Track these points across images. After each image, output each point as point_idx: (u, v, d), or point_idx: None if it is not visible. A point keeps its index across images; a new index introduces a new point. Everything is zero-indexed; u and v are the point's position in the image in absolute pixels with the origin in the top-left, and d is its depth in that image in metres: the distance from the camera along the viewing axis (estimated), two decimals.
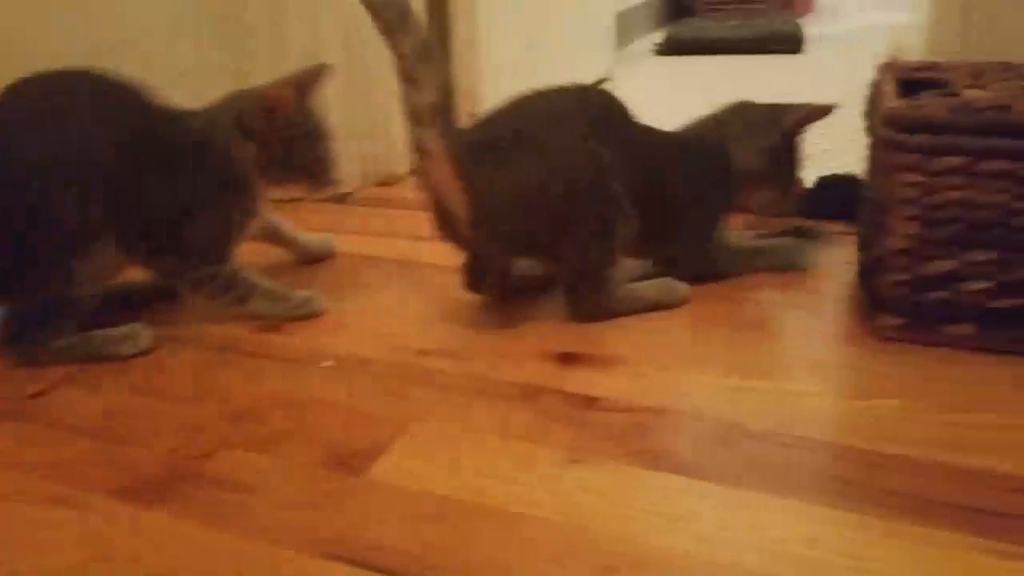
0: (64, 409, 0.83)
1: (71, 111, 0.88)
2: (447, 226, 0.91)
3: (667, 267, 1.00)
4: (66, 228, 0.87)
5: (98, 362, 0.90)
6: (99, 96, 0.90)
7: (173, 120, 0.95)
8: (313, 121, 0.98)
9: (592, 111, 0.93)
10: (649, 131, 1.00)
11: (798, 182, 1.05)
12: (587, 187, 0.88)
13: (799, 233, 1.10)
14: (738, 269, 1.03)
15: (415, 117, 0.83)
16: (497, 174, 0.87)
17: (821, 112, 1.00)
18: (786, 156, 1.03)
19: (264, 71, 1.38)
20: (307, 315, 0.99)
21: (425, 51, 0.81)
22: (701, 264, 1.01)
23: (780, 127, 1.01)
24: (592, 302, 0.93)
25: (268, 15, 1.36)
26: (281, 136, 0.95)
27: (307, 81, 0.97)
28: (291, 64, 1.35)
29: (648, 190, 0.94)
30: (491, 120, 0.94)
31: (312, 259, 1.14)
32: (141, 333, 0.92)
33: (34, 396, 0.85)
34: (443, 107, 0.84)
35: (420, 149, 0.86)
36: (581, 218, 0.89)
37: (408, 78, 0.82)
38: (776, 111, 1.02)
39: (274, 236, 1.11)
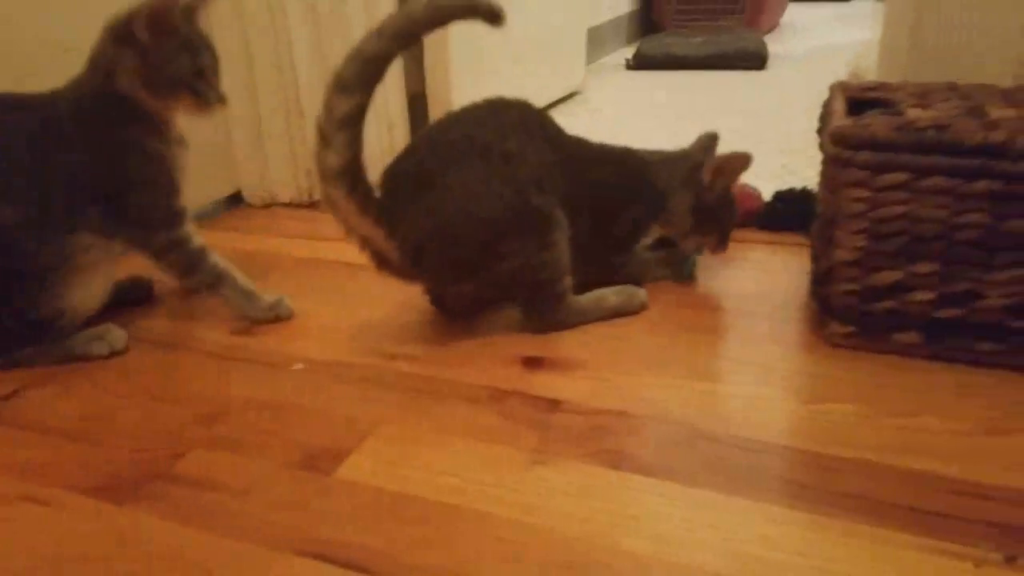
0: (36, 410, 0.84)
1: None
2: (384, 264, 0.93)
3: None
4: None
5: (71, 363, 0.91)
6: None
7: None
8: (199, 37, 0.95)
9: (509, 125, 0.94)
10: (576, 142, 1.03)
11: (729, 224, 1.08)
12: (507, 207, 0.89)
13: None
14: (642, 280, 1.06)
15: (322, 175, 0.87)
16: (415, 210, 0.89)
17: (741, 163, 1.04)
18: (712, 208, 1.06)
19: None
20: (276, 318, 1.01)
21: (352, 119, 0.84)
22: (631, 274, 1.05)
23: (700, 183, 1.05)
24: (547, 318, 0.95)
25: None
26: (165, 48, 0.91)
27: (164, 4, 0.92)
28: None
29: (580, 199, 0.97)
30: (409, 151, 0.96)
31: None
32: (114, 334, 0.94)
33: (5, 397, 0.86)
34: (350, 168, 0.86)
35: (330, 204, 0.89)
36: (510, 238, 0.90)
37: (323, 137, 0.85)
38: (693, 166, 1.06)
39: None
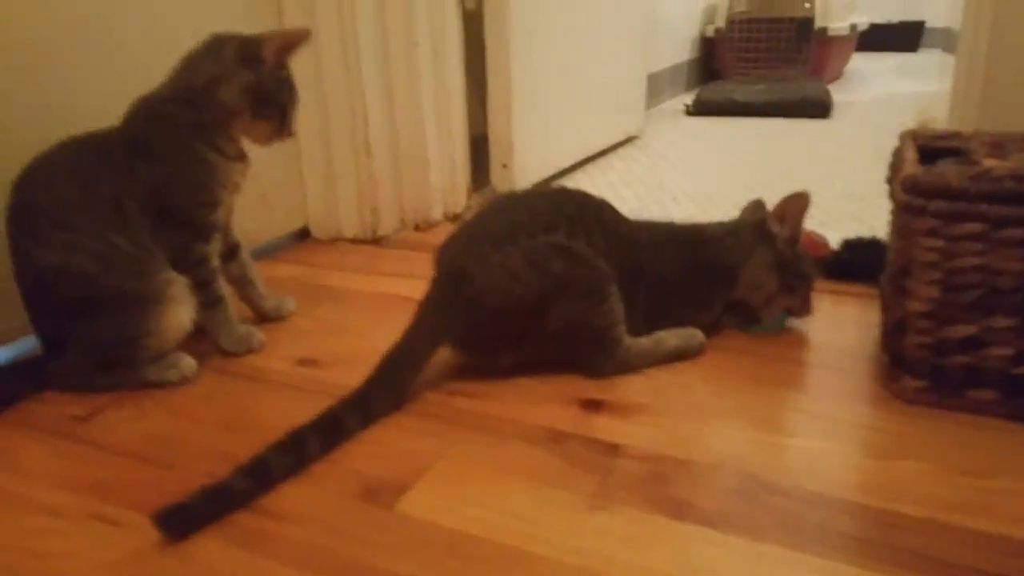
0: (111, 432, 0.87)
1: None
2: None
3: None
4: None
5: (143, 388, 0.94)
6: None
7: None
8: (290, 76, 1.02)
9: (562, 216, 0.95)
10: (636, 226, 1.05)
11: (813, 278, 1.06)
12: (549, 278, 0.90)
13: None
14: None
15: None
16: (459, 303, 0.91)
17: (802, 203, 1.03)
18: (792, 262, 1.04)
19: None
20: (248, 350, 1.04)
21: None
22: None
23: (772, 240, 1.03)
24: (606, 363, 0.95)
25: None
26: (280, 75, 0.99)
27: (301, 36, 1.01)
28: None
29: (636, 284, 0.97)
30: (456, 239, 0.98)
31: (263, 319, 1.13)
32: (186, 362, 0.97)
33: (82, 419, 0.89)
34: None
35: None
36: (560, 303, 0.91)
37: None
38: (757, 223, 1.05)
39: (240, 281, 1.11)
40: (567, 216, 0.96)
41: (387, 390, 0.88)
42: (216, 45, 0.98)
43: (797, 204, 1.03)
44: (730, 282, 1.04)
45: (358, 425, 0.84)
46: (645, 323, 0.99)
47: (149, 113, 0.96)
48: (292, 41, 0.99)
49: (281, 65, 0.99)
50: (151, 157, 0.95)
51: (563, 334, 0.93)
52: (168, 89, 0.97)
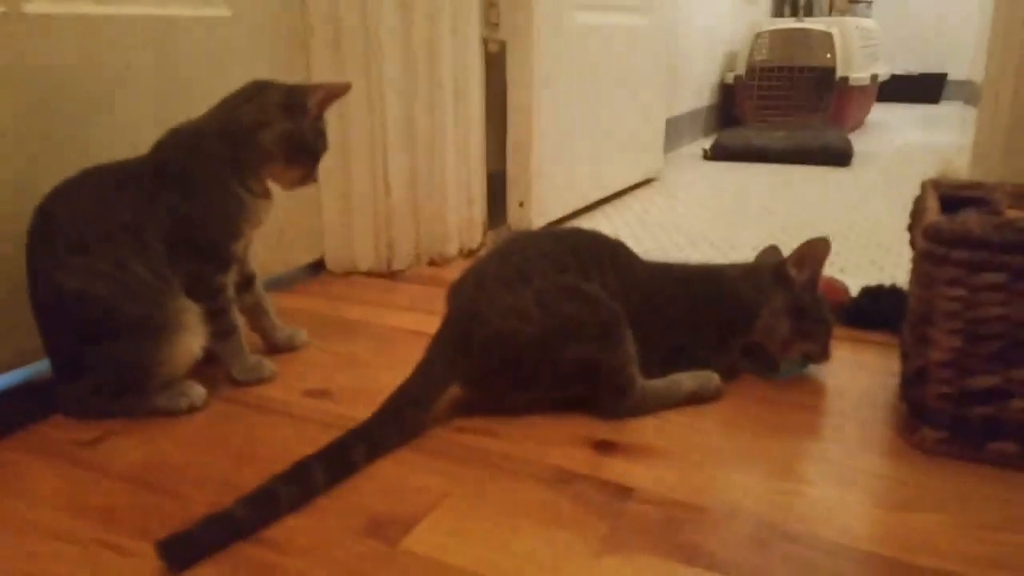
0: (118, 458, 0.86)
1: None
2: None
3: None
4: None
5: (152, 416, 0.94)
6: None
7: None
8: (325, 127, 1.05)
9: (573, 257, 0.95)
10: (652, 267, 1.04)
11: (831, 324, 1.04)
12: (570, 310, 0.90)
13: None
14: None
15: None
16: (468, 346, 0.91)
17: (822, 248, 1.02)
18: (809, 307, 1.02)
19: None
20: (258, 380, 1.04)
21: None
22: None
23: (791, 284, 1.02)
24: (618, 405, 0.94)
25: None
26: (317, 125, 1.03)
27: (343, 89, 1.06)
28: None
29: (651, 325, 0.97)
30: (467, 281, 0.97)
31: (275, 350, 1.13)
32: (195, 390, 0.97)
33: (89, 443, 0.89)
34: None
35: None
36: (571, 346, 0.90)
37: None
38: (776, 266, 1.04)
39: (254, 311, 1.12)
40: (580, 257, 0.96)
41: (395, 426, 0.87)
42: (259, 90, 1.01)
43: (817, 249, 1.02)
44: (746, 325, 1.03)
45: (364, 458, 0.83)
46: (660, 366, 0.97)
47: (185, 144, 0.98)
48: (334, 94, 1.04)
49: (320, 116, 1.03)
50: (183, 187, 0.96)
51: (575, 375, 0.92)
52: (207, 124, 1.00)
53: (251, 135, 0.99)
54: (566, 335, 0.90)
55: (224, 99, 1.01)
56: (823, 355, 1.04)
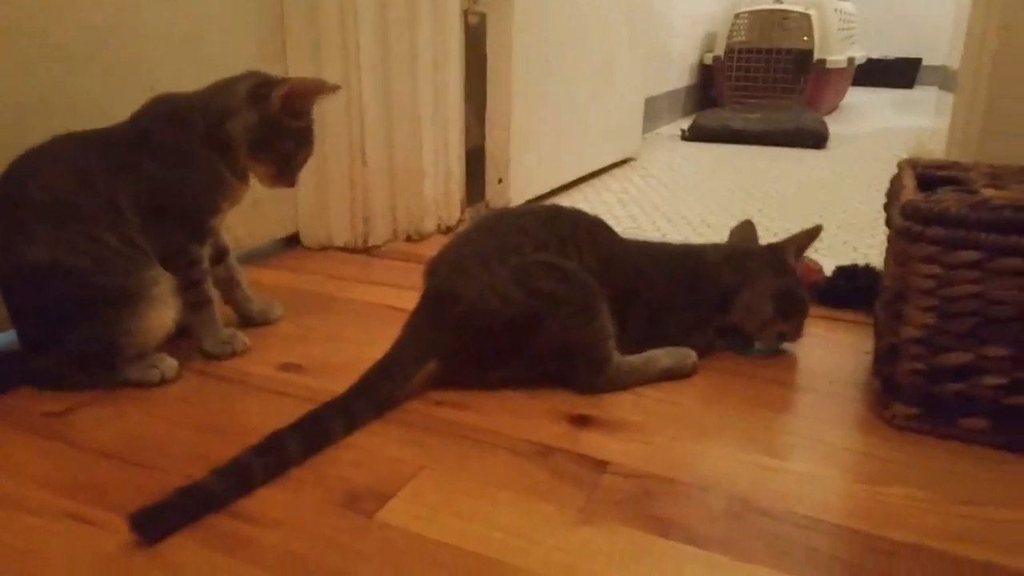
0: (89, 430, 0.85)
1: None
2: None
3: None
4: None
5: (123, 388, 0.92)
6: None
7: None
8: (310, 129, 1.02)
9: (552, 236, 0.95)
10: (631, 246, 1.04)
11: (805, 309, 1.05)
12: (548, 287, 0.90)
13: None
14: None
15: None
16: (444, 320, 0.91)
17: (810, 238, 1.04)
18: (792, 290, 1.04)
19: None
20: (232, 352, 1.02)
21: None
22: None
23: (789, 273, 1.03)
24: (595, 380, 0.94)
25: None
26: (283, 125, 0.98)
27: (320, 87, 1.01)
28: None
29: (629, 300, 0.97)
30: (447, 254, 0.97)
31: (249, 323, 1.12)
32: (167, 362, 0.95)
33: (59, 415, 0.87)
34: None
35: None
36: (549, 322, 0.89)
37: None
38: (776, 253, 1.05)
39: (227, 284, 1.10)
40: (558, 234, 0.95)
41: (371, 400, 0.86)
42: (242, 78, 0.99)
43: (813, 237, 1.03)
44: (724, 306, 1.03)
45: (339, 431, 0.83)
46: (637, 343, 0.97)
47: (171, 114, 0.97)
48: (303, 89, 0.99)
49: (293, 113, 0.98)
50: (166, 155, 0.95)
51: (553, 352, 0.92)
52: (195, 99, 0.98)
53: (222, 121, 0.97)
54: (544, 312, 0.90)
55: (217, 81, 1.00)
56: (796, 334, 1.05)
